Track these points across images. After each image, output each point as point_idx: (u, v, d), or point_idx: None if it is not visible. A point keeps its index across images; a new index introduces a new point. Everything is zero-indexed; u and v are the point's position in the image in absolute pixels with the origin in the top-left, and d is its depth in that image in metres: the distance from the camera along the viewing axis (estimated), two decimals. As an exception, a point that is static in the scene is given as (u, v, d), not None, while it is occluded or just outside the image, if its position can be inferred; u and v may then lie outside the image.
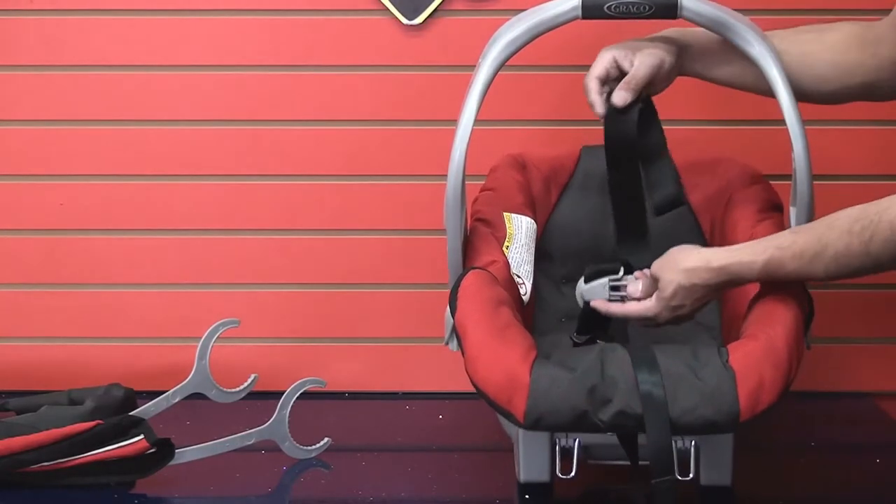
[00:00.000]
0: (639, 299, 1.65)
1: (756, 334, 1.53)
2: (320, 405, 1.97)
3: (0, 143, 2.10)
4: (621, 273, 1.69)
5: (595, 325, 1.70)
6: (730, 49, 1.69)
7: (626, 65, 1.68)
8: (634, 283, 1.67)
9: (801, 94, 1.68)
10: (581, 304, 1.71)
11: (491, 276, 1.65)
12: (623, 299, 1.67)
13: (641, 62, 1.68)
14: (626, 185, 1.74)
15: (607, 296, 1.68)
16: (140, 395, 1.84)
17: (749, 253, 1.57)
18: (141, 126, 2.09)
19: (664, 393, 1.48)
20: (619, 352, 1.52)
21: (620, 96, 1.68)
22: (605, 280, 1.68)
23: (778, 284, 1.61)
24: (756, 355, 1.50)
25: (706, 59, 1.73)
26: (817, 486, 1.80)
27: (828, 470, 1.85)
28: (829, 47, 1.71)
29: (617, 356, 1.51)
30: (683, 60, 1.72)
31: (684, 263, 1.59)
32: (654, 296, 1.62)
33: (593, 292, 1.69)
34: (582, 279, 1.71)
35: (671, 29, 1.74)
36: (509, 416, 1.51)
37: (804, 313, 1.60)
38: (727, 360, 1.50)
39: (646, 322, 1.65)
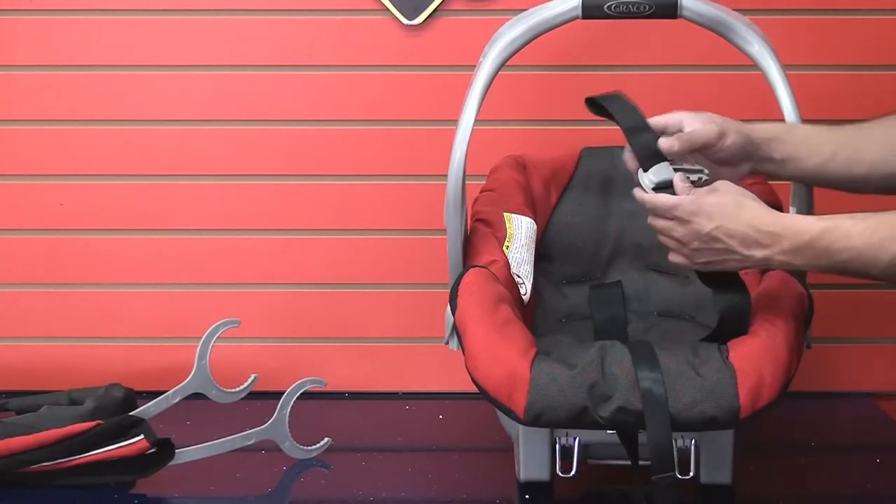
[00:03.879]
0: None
1: (756, 331, 1.53)
2: (320, 405, 1.97)
3: (0, 143, 2.10)
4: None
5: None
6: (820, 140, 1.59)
7: (686, 127, 1.59)
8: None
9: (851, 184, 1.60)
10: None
11: (491, 274, 1.65)
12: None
13: (702, 127, 1.58)
14: None
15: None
16: (140, 395, 1.84)
17: (811, 217, 1.48)
18: (141, 126, 2.09)
19: (664, 389, 1.48)
20: (620, 349, 1.52)
21: (667, 142, 1.57)
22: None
23: (777, 282, 1.60)
24: (756, 352, 1.50)
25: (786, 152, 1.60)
26: (817, 486, 1.80)
27: (828, 470, 1.85)
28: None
29: (617, 353, 1.51)
30: (755, 149, 1.60)
31: (747, 198, 1.50)
32: (697, 193, 1.52)
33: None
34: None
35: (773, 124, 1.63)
36: (509, 412, 1.51)
37: (804, 311, 1.60)
38: (727, 357, 1.50)
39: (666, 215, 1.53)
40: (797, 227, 1.47)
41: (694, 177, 1.58)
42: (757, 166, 1.61)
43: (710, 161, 1.61)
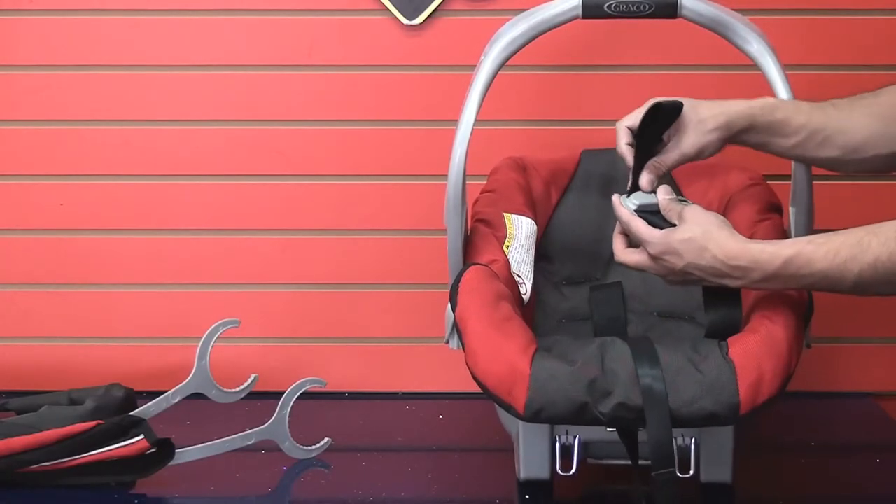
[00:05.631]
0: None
1: (756, 328, 1.53)
2: (320, 405, 1.97)
3: (0, 143, 2.10)
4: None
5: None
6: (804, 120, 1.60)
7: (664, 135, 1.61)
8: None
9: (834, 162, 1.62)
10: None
11: (491, 272, 1.65)
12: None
13: (677, 144, 1.60)
14: None
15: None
16: (140, 395, 1.84)
17: (775, 244, 1.50)
18: (141, 126, 2.09)
19: (664, 385, 1.48)
20: (620, 345, 1.52)
21: (647, 180, 1.59)
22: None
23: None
24: (756, 348, 1.50)
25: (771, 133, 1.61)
26: (817, 486, 1.80)
27: (828, 470, 1.85)
28: (872, 112, 1.62)
29: (617, 349, 1.51)
30: (732, 138, 1.61)
31: (712, 227, 1.52)
32: (664, 232, 1.54)
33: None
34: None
35: (763, 100, 1.62)
36: (509, 408, 1.51)
37: (804, 308, 1.60)
38: (727, 353, 1.50)
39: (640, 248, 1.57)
40: (762, 259, 1.49)
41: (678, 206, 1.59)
42: (735, 144, 1.63)
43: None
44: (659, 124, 1.60)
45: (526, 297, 1.73)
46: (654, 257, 1.55)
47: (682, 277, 1.55)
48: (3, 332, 2.13)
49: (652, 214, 1.57)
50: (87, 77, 2.08)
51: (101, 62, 2.08)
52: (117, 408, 1.78)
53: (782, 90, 1.68)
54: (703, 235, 1.51)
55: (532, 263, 1.78)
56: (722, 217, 1.55)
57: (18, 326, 2.13)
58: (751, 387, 1.48)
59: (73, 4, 2.06)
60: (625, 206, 1.60)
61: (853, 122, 1.61)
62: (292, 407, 1.82)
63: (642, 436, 1.52)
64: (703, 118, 1.60)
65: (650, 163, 1.60)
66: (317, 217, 2.11)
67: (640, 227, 1.56)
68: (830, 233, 1.50)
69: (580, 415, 1.50)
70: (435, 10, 2.05)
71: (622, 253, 1.60)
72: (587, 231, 1.93)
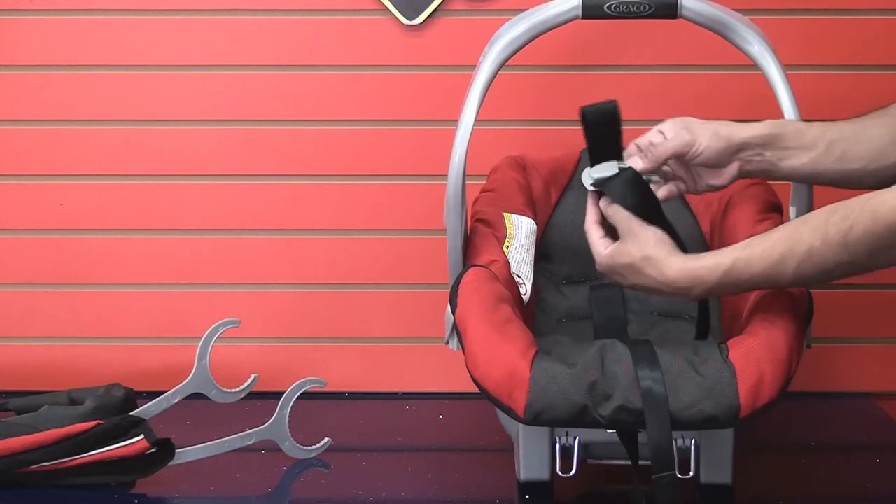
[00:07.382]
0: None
1: (756, 331, 1.53)
2: (320, 405, 1.97)
3: (0, 143, 2.10)
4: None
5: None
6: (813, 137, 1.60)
7: (658, 138, 1.61)
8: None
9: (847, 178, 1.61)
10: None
11: (491, 274, 1.65)
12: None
13: (671, 138, 1.59)
14: None
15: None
16: (140, 395, 1.84)
17: (714, 256, 1.51)
18: (141, 126, 2.10)
19: (664, 388, 1.48)
20: (620, 348, 1.52)
21: (634, 161, 1.59)
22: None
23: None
24: (756, 351, 1.50)
25: (778, 152, 1.60)
26: (817, 486, 1.80)
27: (828, 470, 1.85)
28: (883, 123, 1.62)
29: (617, 352, 1.51)
30: (741, 149, 1.60)
31: (649, 249, 1.53)
32: (612, 249, 1.56)
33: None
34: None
35: (769, 122, 1.61)
36: (509, 411, 1.51)
37: (804, 310, 1.60)
38: (727, 356, 1.50)
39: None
40: (701, 274, 1.50)
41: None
42: (748, 167, 1.62)
43: (689, 167, 1.62)
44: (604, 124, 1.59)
45: (526, 298, 1.72)
46: (603, 272, 1.58)
47: (634, 288, 1.57)
48: (4, 332, 2.13)
49: (608, 183, 1.57)
50: (87, 77, 2.08)
51: (100, 62, 2.08)
52: (117, 408, 1.78)
53: (782, 90, 1.68)
54: (641, 259, 1.53)
55: (532, 263, 1.78)
56: (659, 233, 1.54)
57: (19, 326, 2.13)
58: (751, 390, 1.48)
59: (73, 4, 2.06)
60: (584, 180, 1.59)
61: (868, 132, 1.60)
62: (292, 407, 1.82)
63: (642, 436, 1.52)
64: (708, 124, 1.60)
65: (641, 145, 1.60)
66: (317, 217, 2.11)
67: (593, 238, 1.58)
68: (771, 230, 1.50)
69: (580, 418, 1.50)
70: (435, 10, 2.06)
71: (589, 228, 1.60)
72: (587, 231, 1.92)
